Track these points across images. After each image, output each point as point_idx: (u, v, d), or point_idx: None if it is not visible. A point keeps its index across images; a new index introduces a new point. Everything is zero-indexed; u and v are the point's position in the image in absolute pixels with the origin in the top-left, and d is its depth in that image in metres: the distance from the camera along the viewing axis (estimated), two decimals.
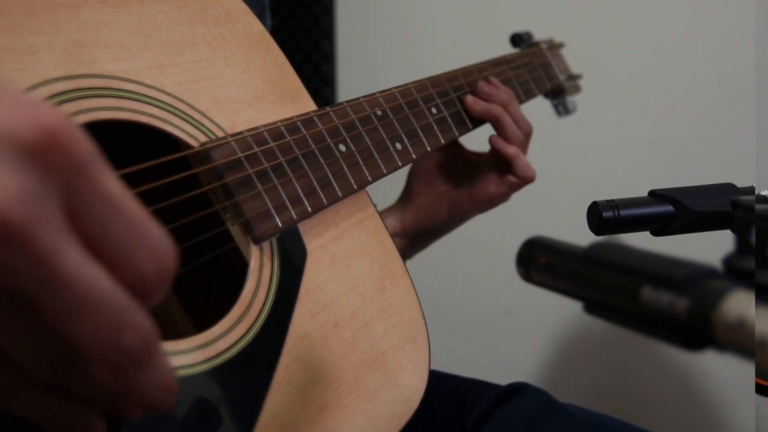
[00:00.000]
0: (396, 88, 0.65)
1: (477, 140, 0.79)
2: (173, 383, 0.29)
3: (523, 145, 0.76)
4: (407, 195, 0.81)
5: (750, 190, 0.52)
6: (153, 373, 0.28)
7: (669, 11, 1.32)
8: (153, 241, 0.27)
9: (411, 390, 0.53)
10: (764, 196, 0.47)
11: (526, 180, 0.75)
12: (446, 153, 0.80)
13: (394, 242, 0.72)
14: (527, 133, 0.76)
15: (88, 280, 0.25)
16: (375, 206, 0.60)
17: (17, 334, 0.26)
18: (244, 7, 0.57)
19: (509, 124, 0.73)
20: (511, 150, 0.73)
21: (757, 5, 1.24)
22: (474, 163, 0.79)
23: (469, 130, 0.73)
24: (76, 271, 0.24)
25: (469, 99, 0.73)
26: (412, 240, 0.80)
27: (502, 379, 0.72)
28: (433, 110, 0.68)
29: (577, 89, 0.98)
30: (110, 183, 0.26)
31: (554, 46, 0.96)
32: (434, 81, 0.70)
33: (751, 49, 1.25)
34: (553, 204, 1.36)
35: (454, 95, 0.72)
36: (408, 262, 0.80)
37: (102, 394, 0.29)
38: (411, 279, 0.58)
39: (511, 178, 0.75)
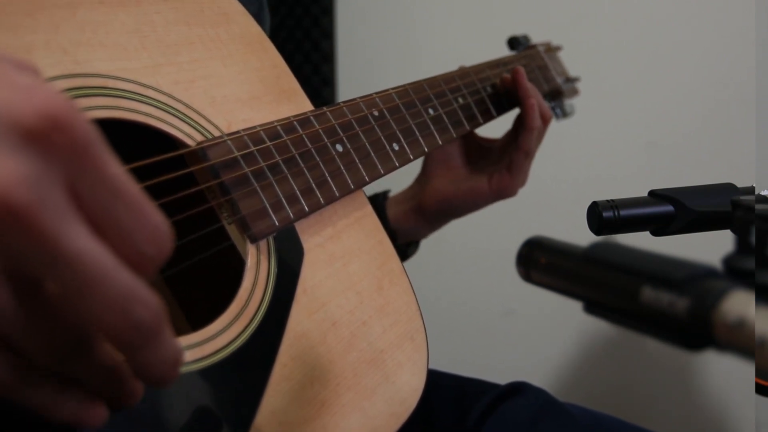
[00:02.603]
0: (393, 89, 0.65)
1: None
2: (180, 357, 0.30)
3: (541, 133, 0.79)
4: (424, 175, 0.83)
5: (750, 190, 0.52)
6: (162, 348, 0.28)
7: (670, 12, 1.32)
8: (153, 222, 0.28)
9: (409, 389, 0.53)
10: (764, 196, 0.47)
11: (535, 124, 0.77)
12: (462, 139, 0.82)
13: (408, 221, 0.76)
14: (546, 120, 0.79)
15: (95, 256, 0.25)
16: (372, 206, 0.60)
17: (24, 321, 0.26)
18: (241, 8, 0.57)
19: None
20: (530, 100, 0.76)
21: (757, 6, 1.24)
22: (488, 149, 0.82)
23: (466, 131, 0.73)
24: (83, 247, 0.25)
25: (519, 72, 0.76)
26: (429, 220, 0.82)
27: (502, 378, 0.72)
28: (430, 111, 0.68)
29: (574, 92, 0.98)
30: (112, 166, 0.27)
31: (551, 49, 0.96)
32: (431, 82, 0.71)
33: (752, 49, 1.25)
34: (553, 204, 1.36)
35: (450, 96, 0.72)
36: (407, 262, 0.80)
37: (106, 378, 0.29)
38: (409, 278, 0.58)
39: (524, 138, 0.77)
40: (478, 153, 0.83)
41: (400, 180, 0.81)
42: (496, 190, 0.78)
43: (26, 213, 0.23)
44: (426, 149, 0.65)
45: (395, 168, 0.61)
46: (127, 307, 0.26)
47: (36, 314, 0.26)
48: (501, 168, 0.78)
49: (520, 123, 0.78)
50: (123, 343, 0.27)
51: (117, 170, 0.27)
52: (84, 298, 0.25)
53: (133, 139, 0.48)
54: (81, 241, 0.25)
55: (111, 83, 0.44)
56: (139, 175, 0.39)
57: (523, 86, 0.77)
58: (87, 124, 0.26)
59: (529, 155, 0.77)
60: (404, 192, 0.85)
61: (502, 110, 0.79)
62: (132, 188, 0.27)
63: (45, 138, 0.25)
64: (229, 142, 0.48)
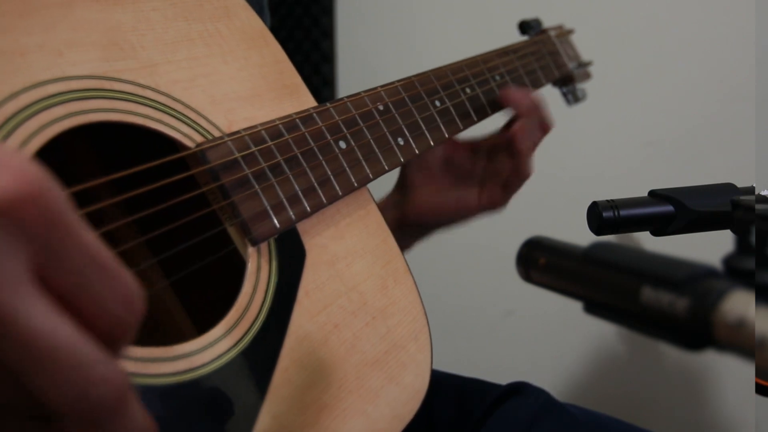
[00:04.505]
0: (399, 81, 0.63)
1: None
2: (149, 427, 0.29)
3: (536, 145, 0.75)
4: (405, 185, 0.76)
5: (750, 190, 0.52)
6: (127, 421, 0.27)
7: (670, 11, 1.32)
8: (125, 287, 0.27)
9: (413, 390, 0.52)
10: (764, 196, 0.47)
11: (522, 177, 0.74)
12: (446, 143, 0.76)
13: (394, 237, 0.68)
14: (546, 131, 0.76)
15: (53, 337, 0.24)
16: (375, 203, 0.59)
17: None
18: (242, 1, 0.56)
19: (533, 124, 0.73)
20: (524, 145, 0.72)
21: (757, 6, 1.24)
22: (473, 152, 0.76)
23: (474, 123, 0.70)
24: (41, 327, 0.24)
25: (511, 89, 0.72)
26: (412, 234, 0.77)
27: (503, 379, 0.72)
28: (437, 103, 0.66)
29: (587, 76, 0.95)
30: (82, 235, 0.26)
31: (563, 33, 0.94)
32: (438, 73, 0.68)
33: (752, 49, 1.25)
34: (553, 204, 1.36)
35: (458, 87, 0.70)
36: (407, 261, 0.79)
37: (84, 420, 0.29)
38: (413, 277, 0.57)
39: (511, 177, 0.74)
40: (463, 157, 0.76)
41: (392, 178, 0.79)
42: (487, 205, 0.74)
43: None
44: (432, 143, 0.64)
45: (400, 163, 0.60)
46: (85, 386, 0.25)
47: (1, 377, 0.26)
48: (494, 184, 0.74)
49: (512, 140, 0.73)
50: (83, 419, 0.26)
51: (88, 238, 0.26)
52: (41, 375, 0.24)
53: (131, 142, 0.47)
54: (39, 318, 0.24)
55: (107, 85, 0.43)
56: (139, 178, 0.39)
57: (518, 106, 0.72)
58: (58, 194, 0.25)
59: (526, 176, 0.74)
60: (383, 201, 0.77)
61: None
62: (104, 254, 0.27)
63: (13, 213, 0.24)
64: (229, 142, 0.47)
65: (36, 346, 0.24)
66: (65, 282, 0.26)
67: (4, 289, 0.23)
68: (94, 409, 0.26)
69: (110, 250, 0.27)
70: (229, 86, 0.51)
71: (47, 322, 0.24)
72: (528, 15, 1.34)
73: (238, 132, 0.48)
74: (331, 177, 0.52)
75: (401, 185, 0.77)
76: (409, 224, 0.75)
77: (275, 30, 0.59)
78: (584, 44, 1.01)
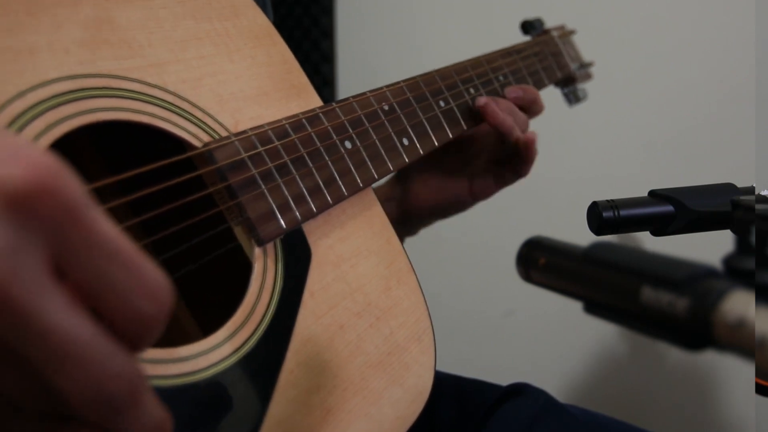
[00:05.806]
0: (404, 81, 0.64)
1: None
2: (164, 423, 0.29)
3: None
4: (404, 181, 0.78)
5: (750, 190, 0.52)
6: (141, 417, 0.27)
7: (670, 11, 1.32)
8: (150, 280, 0.27)
9: (416, 391, 0.52)
10: (764, 196, 0.47)
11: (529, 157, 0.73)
12: None
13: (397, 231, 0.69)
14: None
15: (70, 333, 0.24)
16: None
17: (9, 377, 0.26)
18: (249, 0, 0.56)
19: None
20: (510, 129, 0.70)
21: (757, 6, 1.24)
22: (467, 142, 0.77)
23: (477, 123, 0.71)
24: (58, 324, 0.24)
25: (487, 103, 0.70)
26: (414, 226, 0.80)
27: (503, 379, 0.72)
28: (441, 104, 0.66)
29: (588, 77, 0.96)
30: (102, 227, 0.25)
31: (566, 34, 0.94)
32: (443, 73, 0.69)
33: (751, 49, 1.25)
34: (553, 204, 1.36)
35: (462, 87, 0.70)
36: (411, 261, 0.80)
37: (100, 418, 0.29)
38: (417, 277, 0.57)
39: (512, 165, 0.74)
40: (458, 148, 0.77)
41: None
42: (478, 195, 0.77)
43: None
44: (436, 144, 0.64)
45: (404, 164, 0.60)
46: (99, 382, 0.25)
47: (18, 373, 0.26)
48: (486, 176, 0.76)
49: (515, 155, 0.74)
50: (97, 414, 0.26)
51: (108, 231, 0.26)
52: (57, 371, 0.25)
53: (138, 141, 0.47)
54: (56, 314, 0.24)
55: (115, 83, 0.43)
56: (145, 178, 0.39)
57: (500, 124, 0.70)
58: (75, 186, 0.25)
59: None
60: (383, 192, 0.79)
61: None
62: (126, 248, 0.26)
63: (27, 205, 0.23)
64: (236, 142, 0.47)
65: (52, 342, 0.24)
66: (85, 275, 0.25)
67: (22, 287, 0.23)
68: (106, 405, 0.26)
69: (134, 242, 0.27)
70: (236, 85, 0.51)
71: (65, 318, 0.24)
72: (526, 15, 1.34)
73: (245, 132, 0.48)
74: (337, 177, 0.53)
75: (401, 179, 0.78)
76: (411, 218, 0.78)
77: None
78: (584, 44, 1.01)
